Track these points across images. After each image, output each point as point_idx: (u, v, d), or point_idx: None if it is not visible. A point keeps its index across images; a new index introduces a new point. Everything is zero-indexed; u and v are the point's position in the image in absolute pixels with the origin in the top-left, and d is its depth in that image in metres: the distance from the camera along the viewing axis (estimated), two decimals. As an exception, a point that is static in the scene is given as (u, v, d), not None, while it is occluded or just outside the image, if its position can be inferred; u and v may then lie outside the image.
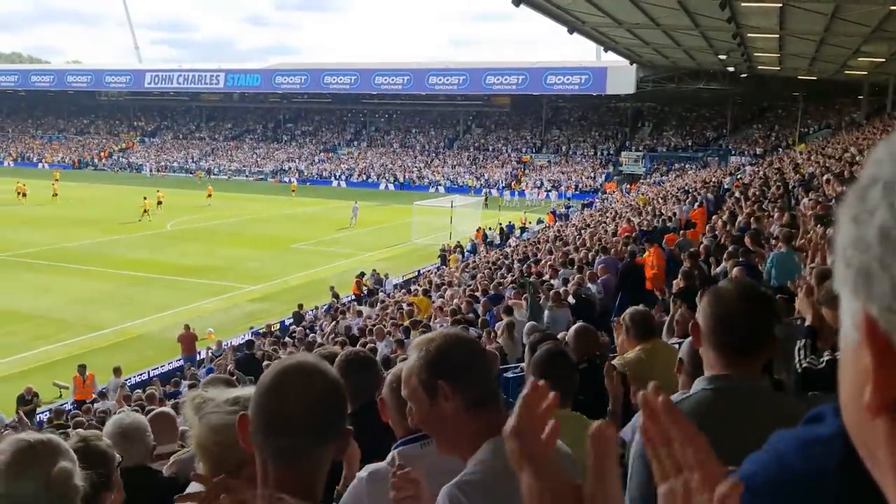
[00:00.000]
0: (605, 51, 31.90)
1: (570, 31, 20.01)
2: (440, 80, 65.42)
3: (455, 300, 14.06)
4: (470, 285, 16.20)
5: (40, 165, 73.43)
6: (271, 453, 1.46)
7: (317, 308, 20.69)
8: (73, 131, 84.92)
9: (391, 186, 63.81)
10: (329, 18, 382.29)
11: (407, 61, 72.94)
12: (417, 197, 43.96)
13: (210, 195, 47.00)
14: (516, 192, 57.46)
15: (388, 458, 2.15)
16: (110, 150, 78.42)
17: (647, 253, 11.11)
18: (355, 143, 75.21)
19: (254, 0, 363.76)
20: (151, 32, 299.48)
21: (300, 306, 20.51)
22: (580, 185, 58.64)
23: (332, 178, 67.09)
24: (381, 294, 21.90)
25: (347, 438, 1.57)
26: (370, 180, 65.89)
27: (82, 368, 15.34)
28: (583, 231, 21.78)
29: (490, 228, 33.51)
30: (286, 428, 1.46)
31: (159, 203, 42.10)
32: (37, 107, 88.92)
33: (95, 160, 75.99)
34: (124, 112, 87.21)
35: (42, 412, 14.09)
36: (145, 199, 39.83)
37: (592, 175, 60.97)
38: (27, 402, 13.78)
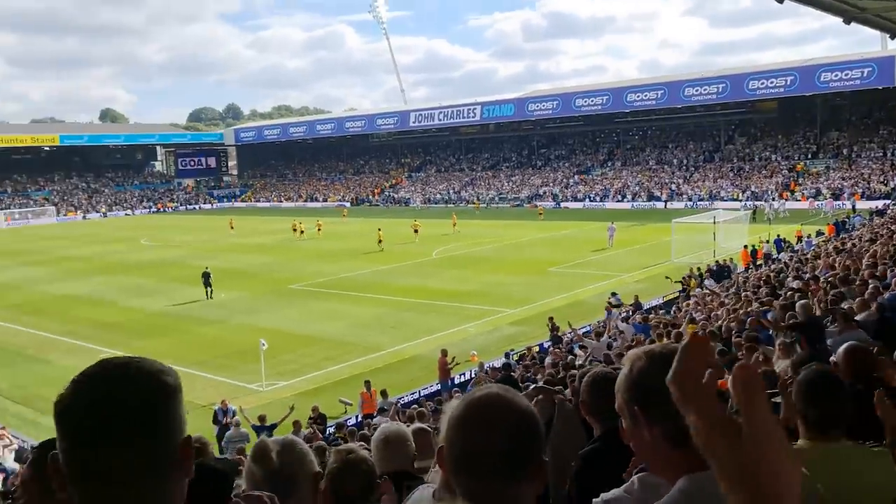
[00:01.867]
0: (892, 37, 28.12)
1: (847, 21, 17.95)
2: (696, 90, 62.55)
3: (718, 322, 13.20)
4: (735, 306, 15.10)
5: (322, 205, 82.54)
6: (462, 492, 1.41)
7: (573, 330, 20.60)
8: (350, 172, 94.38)
9: (650, 205, 62.05)
10: (578, 43, 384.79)
11: (659, 76, 70.82)
12: (676, 214, 42.20)
13: (455, 224, 49.76)
14: (785, 203, 52.62)
15: (627, 483, 2.04)
16: (382, 187, 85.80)
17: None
18: (609, 163, 74.42)
19: (505, 34, 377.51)
20: (414, 75, 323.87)
21: (558, 328, 20.60)
22: (867, 192, 52.22)
23: (587, 200, 66.90)
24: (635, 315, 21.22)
25: (543, 475, 1.45)
26: (625, 199, 64.66)
27: (368, 384, 16.85)
28: (872, 243, 19.31)
29: (766, 241, 31.02)
30: (474, 469, 1.39)
31: (416, 231, 45.58)
32: (321, 152, 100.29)
33: (370, 197, 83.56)
34: (393, 151, 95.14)
35: (329, 426, 15.65)
36: (379, 230, 43.34)
37: (883, 179, 54.00)
38: (313, 419, 15.30)
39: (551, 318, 21.39)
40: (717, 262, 28.39)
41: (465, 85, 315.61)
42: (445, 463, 1.44)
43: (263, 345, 18.43)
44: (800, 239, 31.96)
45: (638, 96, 66.03)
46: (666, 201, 61.36)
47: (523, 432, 1.42)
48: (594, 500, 2.04)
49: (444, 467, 1.46)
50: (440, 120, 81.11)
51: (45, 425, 17.13)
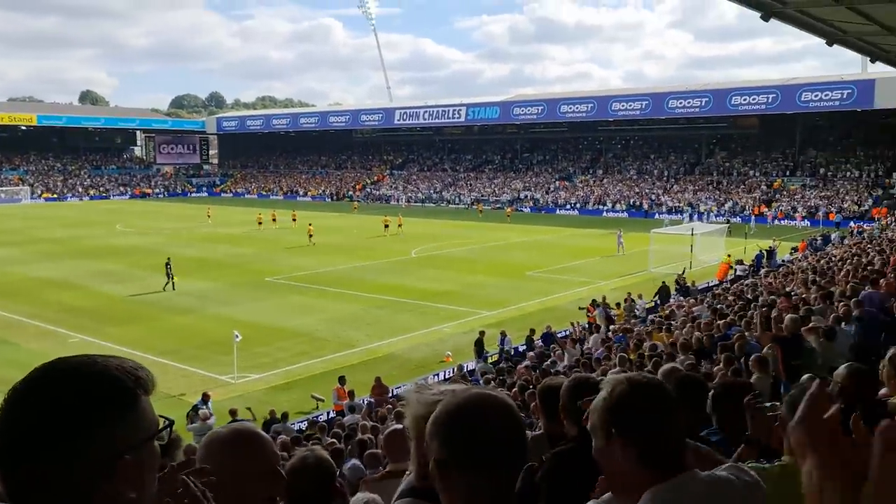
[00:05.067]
0: (872, 61, 28.54)
1: (830, 44, 18.16)
2: (681, 103, 63.11)
3: (694, 333, 13.29)
4: (706, 318, 15.22)
5: (300, 198, 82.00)
6: (462, 485, 1.47)
7: (551, 333, 20.67)
8: (332, 166, 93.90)
9: (628, 214, 62.49)
10: (565, 49, 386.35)
11: (644, 87, 71.34)
12: (655, 225, 42.50)
13: (400, 224, 48.72)
14: (768, 220, 53.31)
15: None
16: (364, 183, 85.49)
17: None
18: (591, 170, 74.82)
19: (492, 36, 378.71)
20: (399, 73, 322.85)
21: (532, 331, 20.69)
22: (843, 211, 53.00)
23: (567, 206, 67.17)
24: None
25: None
26: (604, 207, 65.05)
27: (342, 380, 16.69)
28: (844, 262, 19.58)
29: (739, 262, 30.83)
30: (477, 463, 1.46)
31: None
32: (303, 145, 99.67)
33: (351, 192, 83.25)
34: (376, 147, 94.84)
35: (301, 421, 15.52)
36: (310, 225, 44.12)
37: (857, 199, 54.83)
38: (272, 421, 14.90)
39: (532, 330, 21.43)
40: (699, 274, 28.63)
41: (450, 85, 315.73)
42: (440, 457, 1.49)
43: (237, 336, 18.27)
44: (771, 249, 32.28)
45: (622, 106, 66.48)
46: (646, 211, 61.82)
47: (518, 430, 1.54)
48: None
49: (434, 465, 1.50)
50: (425, 119, 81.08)
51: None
